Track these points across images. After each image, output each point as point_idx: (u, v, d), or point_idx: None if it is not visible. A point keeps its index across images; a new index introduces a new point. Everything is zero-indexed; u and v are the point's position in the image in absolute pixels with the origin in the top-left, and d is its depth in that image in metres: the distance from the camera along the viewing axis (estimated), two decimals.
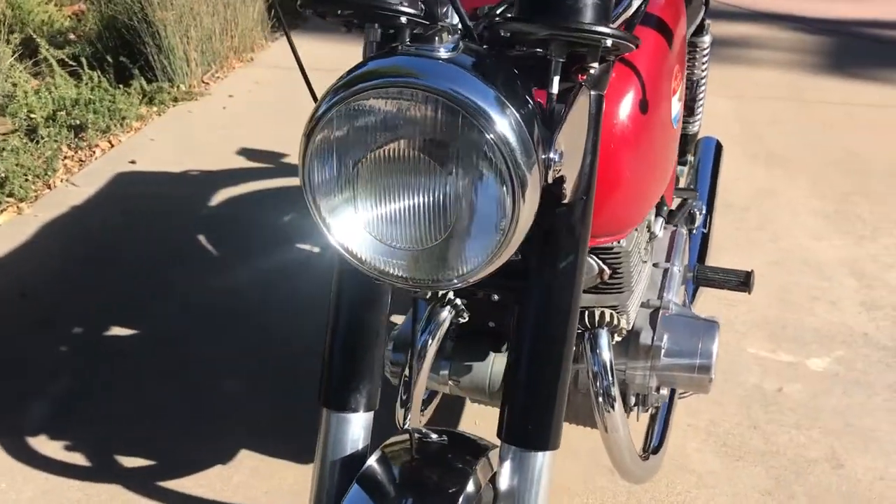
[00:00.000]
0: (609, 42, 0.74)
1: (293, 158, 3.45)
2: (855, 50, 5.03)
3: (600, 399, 1.27)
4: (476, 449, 0.94)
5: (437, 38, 0.76)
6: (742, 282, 1.81)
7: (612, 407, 1.28)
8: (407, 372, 1.37)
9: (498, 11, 0.83)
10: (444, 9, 0.83)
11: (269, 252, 2.77)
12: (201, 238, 2.88)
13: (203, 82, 4.33)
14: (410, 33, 0.80)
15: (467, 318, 1.35)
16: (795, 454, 1.97)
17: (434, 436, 0.95)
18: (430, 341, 1.35)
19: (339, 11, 0.80)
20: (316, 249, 2.77)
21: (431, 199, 0.75)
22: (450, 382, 1.44)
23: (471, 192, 0.73)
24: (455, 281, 0.78)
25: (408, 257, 0.79)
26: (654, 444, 1.66)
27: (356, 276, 0.92)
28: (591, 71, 0.79)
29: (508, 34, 0.76)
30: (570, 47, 0.77)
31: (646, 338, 1.41)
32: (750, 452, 1.97)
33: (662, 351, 1.42)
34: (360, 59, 0.79)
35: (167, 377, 2.20)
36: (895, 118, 4.04)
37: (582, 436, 1.69)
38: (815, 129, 3.90)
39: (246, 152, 3.53)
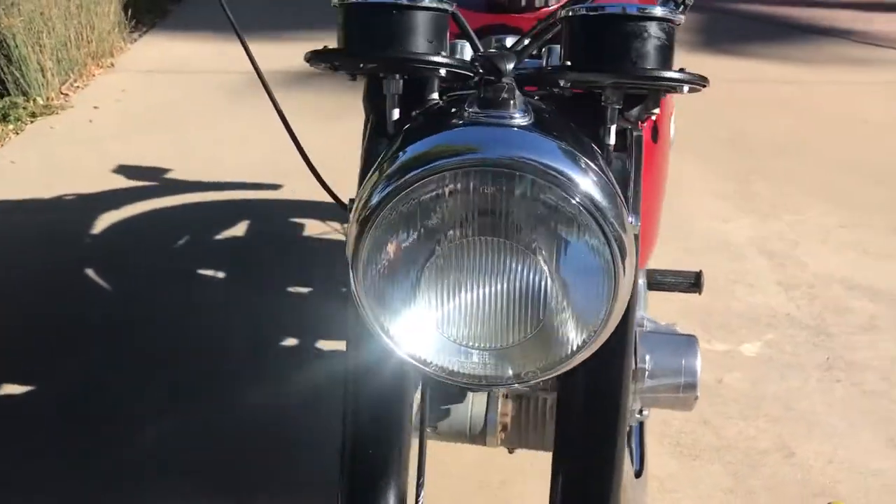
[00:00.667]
0: (686, 88, 0.65)
1: (179, 174, 3.21)
2: (725, 25, 5.20)
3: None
4: None
5: (484, 94, 0.64)
6: (693, 283, 1.79)
7: None
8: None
9: (533, 53, 0.73)
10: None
11: (172, 285, 2.55)
12: (88, 273, 2.63)
13: (62, 94, 3.98)
14: (439, 82, 0.68)
15: None
16: (747, 447, 1.98)
17: None
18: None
19: (360, 65, 0.68)
20: (220, 274, 2.58)
21: (520, 287, 0.64)
22: (427, 430, 1.33)
23: (565, 270, 0.63)
24: (540, 375, 0.67)
25: (487, 356, 0.68)
26: (636, 468, 1.61)
27: (376, 367, 0.81)
28: (653, 116, 0.71)
29: (567, 83, 0.66)
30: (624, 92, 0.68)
31: None
32: (705, 450, 1.97)
33: (647, 373, 1.36)
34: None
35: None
36: (774, 93, 4.19)
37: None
38: (698, 108, 3.99)
39: (124, 170, 3.25)
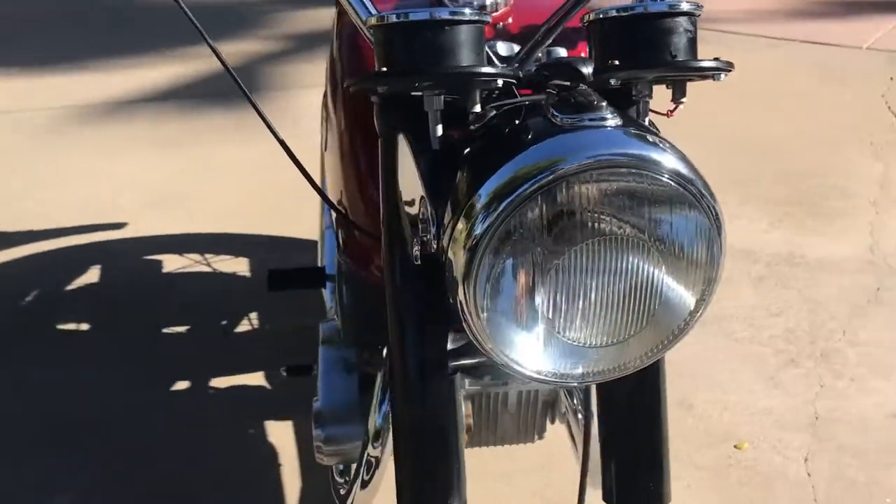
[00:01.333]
0: (723, 76, 0.70)
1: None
2: None
3: (579, 416, 1.24)
4: None
5: (574, 99, 0.65)
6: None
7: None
8: (373, 451, 1.23)
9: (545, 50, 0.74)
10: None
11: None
12: None
13: None
14: (482, 96, 0.68)
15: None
16: None
17: None
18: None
19: (416, 84, 0.66)
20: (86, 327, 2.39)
21: (639, 278, 0.66)
22: None
23: (677, 251, 0.65)
24: (646, 360, 0.69)
25: (602, 352, 0.69)
26: None
27: (421, 375, 0.80)
28: (681, 105, 0.75)
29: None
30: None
31: None
32: None
33: None
34: None
35: None
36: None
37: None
38: None
39: None
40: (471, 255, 0.62)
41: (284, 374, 1.69)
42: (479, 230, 0.62)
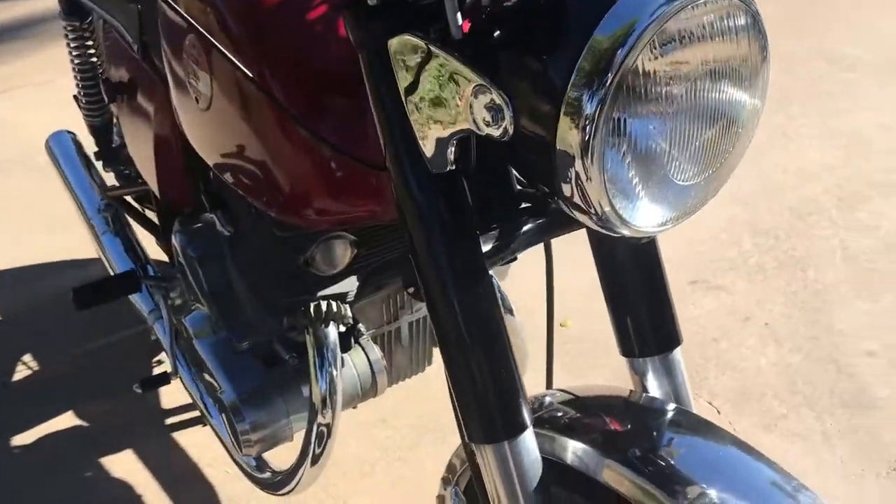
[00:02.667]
0: None
1: None
2: None
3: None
4: None
5: None
6: None
7: None
8: (323, 420, 1.17)
9: None
10: None
11: None
12: None
13: None
14: None
15: (352, 321, 1.20)
16: None
17: None
18: (335, 373, 1.16)
19: None
20: None
21: (734, 106, 0.68)
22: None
23: (753, 70, 0.68)
24: (713, 196, 0.72)
25: (701, 187, 0.70)
26: None
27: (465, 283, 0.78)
28: None
29: None
30: None
31: None
32: None
33: None
34: None
35: None
36: None
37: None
38: None
39: None
40: (591, 120, 0.61)
41: (140, 390, 1.51)
42: (596, 90, 0.61)
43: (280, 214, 1.00)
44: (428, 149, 0.74)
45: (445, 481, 1.10)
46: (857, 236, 2.28)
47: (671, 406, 0.89)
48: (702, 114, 0.67)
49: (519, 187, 0.89)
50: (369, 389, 1.31)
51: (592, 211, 0.66)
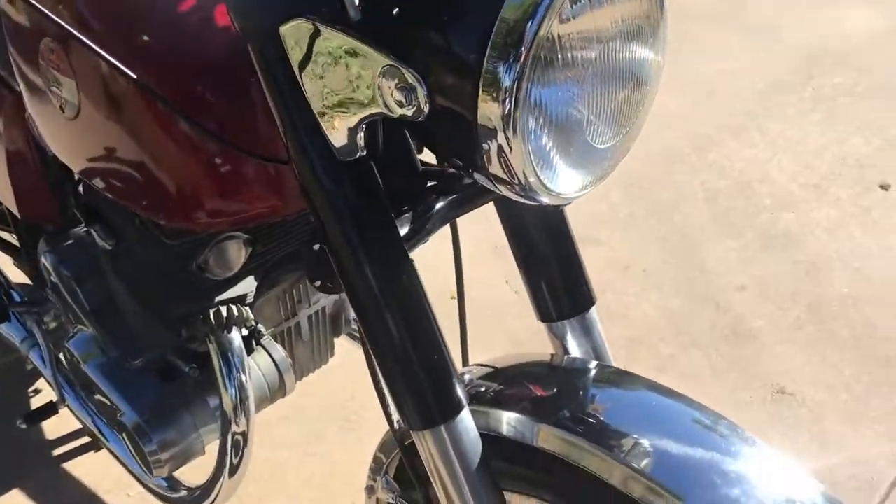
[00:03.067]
0: None
1: None
2: None
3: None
4: None
5: None
6: None
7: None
8: (238, 428, 1.12)
9: None
10: None
11: None
12: None
13: None
14: None
15: (255, 323, 1.15)
16: None
17: None
18: (244, 378, 1.12)
19: None
20: None
21: (641, 64, 0.68)
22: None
23: (654, 25, 0.68)
24: (625, 156, 0.72)
25: (616, 147, 0.70)
26: None
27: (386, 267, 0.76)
28: None
29: None
30: None
31: None
32: None
33: None
34: None
35: None
36: None
37: None
38: None
39: None
40: (511, 93, 0.60)
41: (24, 425, 1.41)
42: (513, 62, 0.60)
43: (170, 221, 0.95)
44: (335, 137, 0.72)
45: (374, 470, 1.09)
46: (716, 178, 2.41)
47: (593, 364, 0.91)
48: (615, 75, 0.67)
49: (422, 167, 0.88)
50: (278, 390, 1.28)
51: (516, 181, 0.65)
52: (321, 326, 1.42)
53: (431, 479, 0.85)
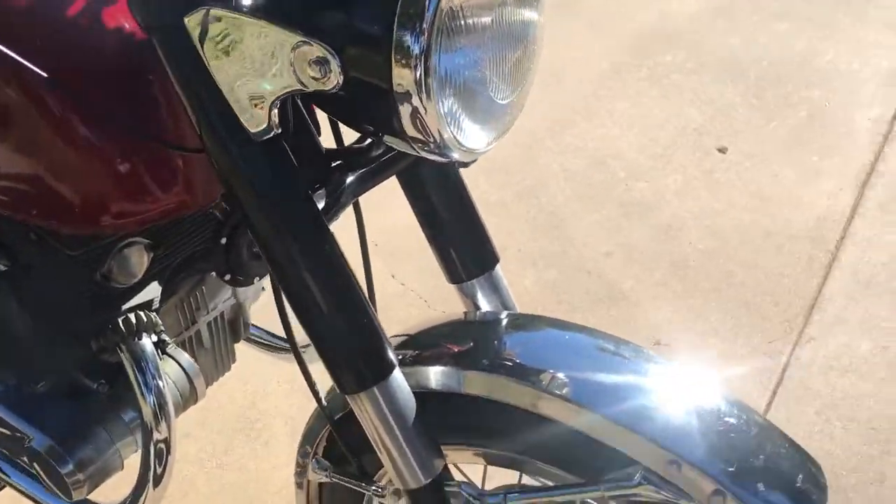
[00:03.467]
0: None
1: None
2: None
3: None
4: None
5: None
6: None
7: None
8: (160, 435, 1.12)
9: None
10: None
11: None
12: None
13: None
14: None
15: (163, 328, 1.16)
16: None
17: None
18: (161, 384, 1.12)
19: None
20: None
21: (529, 25, 0.74)
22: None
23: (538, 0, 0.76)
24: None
25: (510, 109, 0.76)
26: None
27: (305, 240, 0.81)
28: None
29: None
30: None
31: None
32: None
33: None
34: None
35: None
36: None
37: None
38: None
39: None
40: (422, 60, 0.66)
41: None
42: (420, 31, 0.65)
43: (76, 228, 0.94)
44: (250, 119, 0.75)
45: (303, 455, 1.12)
46: (572, 158, 2.55)
47: (504, 314, 0.98)
48: (509, 38, 0.74)
49: (325, 150, 0.92)
50: (189, 396, 1.27)
51: (431, 139, 0.71)
52: (221, 333, 1.43)
53: (372, 442, 0.89)
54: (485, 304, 1.00)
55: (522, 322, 0.96)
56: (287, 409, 1.85)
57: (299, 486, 1.18)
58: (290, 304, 0.85)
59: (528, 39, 0.77)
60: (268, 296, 1.46)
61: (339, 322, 0.83)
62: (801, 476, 0.80)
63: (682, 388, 0.84)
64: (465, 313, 1.01)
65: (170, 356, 1.25)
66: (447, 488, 0.90)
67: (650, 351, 0.88)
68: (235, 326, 1.46)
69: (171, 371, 1.24)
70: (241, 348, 1.44)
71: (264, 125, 0.75)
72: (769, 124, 2.63)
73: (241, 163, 0.77)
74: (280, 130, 0.76)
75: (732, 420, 0.82)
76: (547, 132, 2.64)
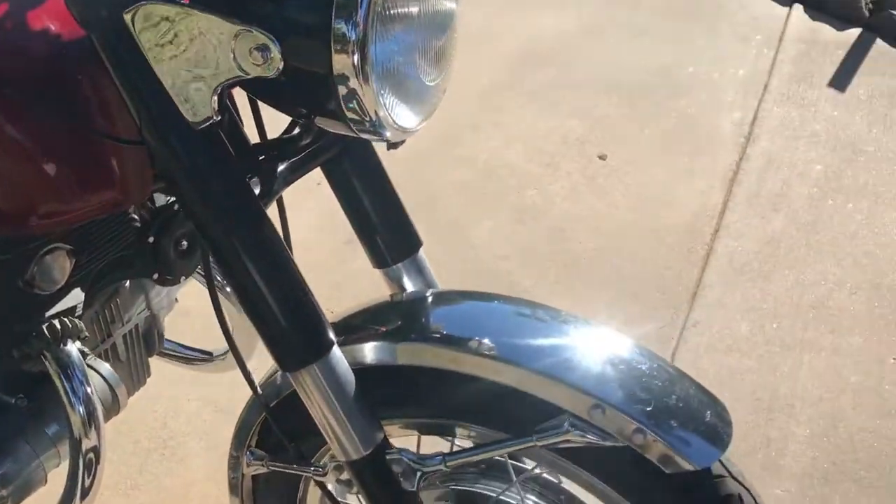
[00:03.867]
0: None
1: None
2: None
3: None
4: None
5: None
6: None
7: None
8: (90, 443, 1.12)
9: None
10: None
11: None
12: None
13: None
14: None
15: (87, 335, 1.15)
16: None
17: None
18: (90, 390, 1.12)
19: None
20: None
21: (448, 14, 0.80)
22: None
23: None
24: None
25: (436, 91, 0.82)
26: None
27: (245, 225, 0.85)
28: None
29: None
30: None
31: None
32: None
33: None
34: None
35: None
36: None
37: None
38: None
39: None
40: (359, 45, 0.71)
41: None
42: (356, 19, 0.71)
43: (2, 230, 0.95)
44: (191, 109, 0.78)
45: (237, 447, 1.14)
46: (465, 170, 2.65)
47: (430, 291, 1.04)
48: (434, 25, 0.82)
49: (253, 143, 0.96)
50: (112, 406, 1.27)
51: (367, 119, 0.77)
52: (136, 345, 1.42)
53: (314, 417, 0.93)
54: (410, 287, 1.06)
55: (448, 297, 1.03)
56: (201, 426, 1.84)
57: (233, 484, 1.19)
58: (232, 288, 0.88)
59: (450, 27, 0.84)
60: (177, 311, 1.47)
61: (279, 302, 0.87)
62: (709, 412, 0.89)
63: (598, 341, 0.92)
64: (392, 295, 1.06)
65: (89, 366, 1.25)
66: (388, 456, 0.95)
67: (567, 312, 0.96)
68: (150, 339, 1.46)
69: (93, 381, 1.24)
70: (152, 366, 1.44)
71: (206, 114, 0.79)
72: (643, 131, 2.81)
73: (181, 152, 0.81)
74: (219, 117, 0.80)
75: (645, 367, 0.90)
76: (439, 148, 2.73)
